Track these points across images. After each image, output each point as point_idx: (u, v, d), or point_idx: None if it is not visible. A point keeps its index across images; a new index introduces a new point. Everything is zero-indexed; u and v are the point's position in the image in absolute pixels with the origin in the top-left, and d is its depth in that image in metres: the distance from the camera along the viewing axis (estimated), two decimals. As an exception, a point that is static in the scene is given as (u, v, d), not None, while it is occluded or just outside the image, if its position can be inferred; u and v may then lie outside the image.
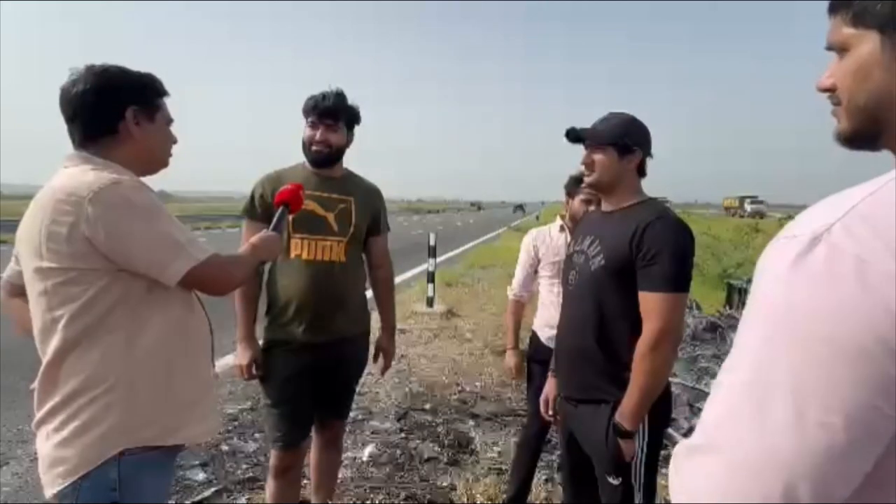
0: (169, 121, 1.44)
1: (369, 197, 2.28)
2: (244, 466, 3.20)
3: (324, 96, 2.11)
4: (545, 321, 2.66)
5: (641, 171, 1.75)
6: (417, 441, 3.56)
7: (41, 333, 1.27)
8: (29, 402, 1.35)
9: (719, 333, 5.83)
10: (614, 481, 1.64)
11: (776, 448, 0.51)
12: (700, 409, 3.95)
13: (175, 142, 1.49)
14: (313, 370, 2.16)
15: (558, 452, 3.25)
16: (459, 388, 4.60)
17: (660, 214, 1.63)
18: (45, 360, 1.26)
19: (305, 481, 2.63)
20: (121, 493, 1.25)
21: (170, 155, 1.48)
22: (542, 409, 2.03)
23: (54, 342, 1.24)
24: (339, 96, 2.12)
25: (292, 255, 2.08)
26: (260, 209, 2.10)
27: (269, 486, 2.27)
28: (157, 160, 1.44)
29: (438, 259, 8.36)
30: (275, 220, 1.70)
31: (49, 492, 1.25)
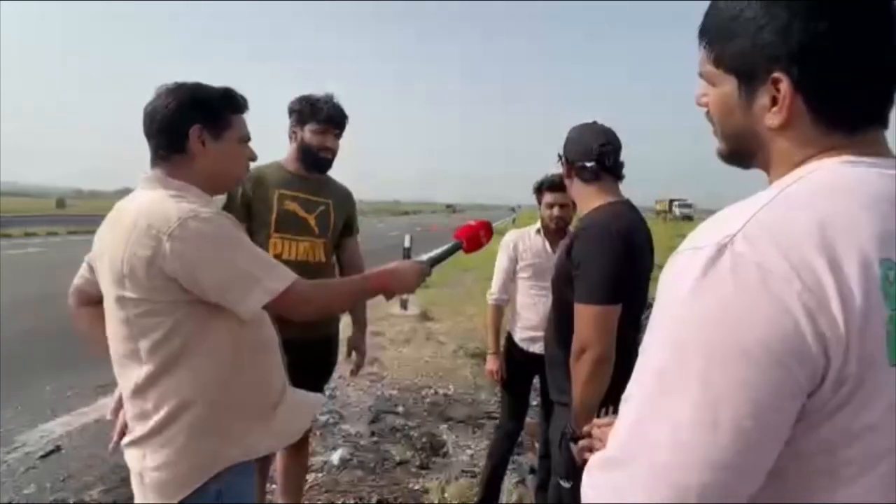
0: (243, 138, 1.41)
1: (345, 200, 2.34)
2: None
3: (332, 104, 2.14)
4: (521, 323, 2.67)
5: (587, 178, 1.67)
6: (389, 444, 3.51)
7: (123, 358, 1.30)
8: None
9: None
10: (566, 484, 1.63)
11: (688, 454, 0.53)
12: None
13: (253, 159, 1.47)
14: (300, 366, 2.13)
15: (531, 455, 3.27)
16: (433, 391, 4.57)
17: (589, 224, 1.62)
18: (131, 384, 1.28)
19: (273, 486, 2.57)
20: (223, 500, 1.32)
21: (244, 172, 1.48)
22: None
23: (141, 370, 1.26)
24: (339, 104, 2.17)
25: (271, 254, 2.05)
26: (241, 207, 2.07)
27: None
28: (226, 178, 1.43)
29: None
30: (440, 251, 1.64)
31: None
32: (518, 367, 2.67)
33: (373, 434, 3.64)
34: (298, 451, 2.40)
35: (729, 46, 0.64)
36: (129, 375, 1.29)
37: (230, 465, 1.32)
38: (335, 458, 3.27)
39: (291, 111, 2.18)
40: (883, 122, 0.62)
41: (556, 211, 2.55)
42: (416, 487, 3.02)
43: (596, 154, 1.65)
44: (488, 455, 2.78)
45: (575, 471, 1.63)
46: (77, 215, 26.03)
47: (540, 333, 2.55)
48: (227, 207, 2.06)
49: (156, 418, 1.27)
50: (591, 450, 0.95)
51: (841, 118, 0.61)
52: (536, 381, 2.71)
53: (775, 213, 0.56)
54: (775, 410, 0.52)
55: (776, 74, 0.60)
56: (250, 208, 2.07)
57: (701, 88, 0.71)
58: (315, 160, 2.17)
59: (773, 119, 0.62)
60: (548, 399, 2.61)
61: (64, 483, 3.02)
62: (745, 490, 0.54)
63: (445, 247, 1.67)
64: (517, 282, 2.72)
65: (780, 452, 0.54)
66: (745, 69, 0.63)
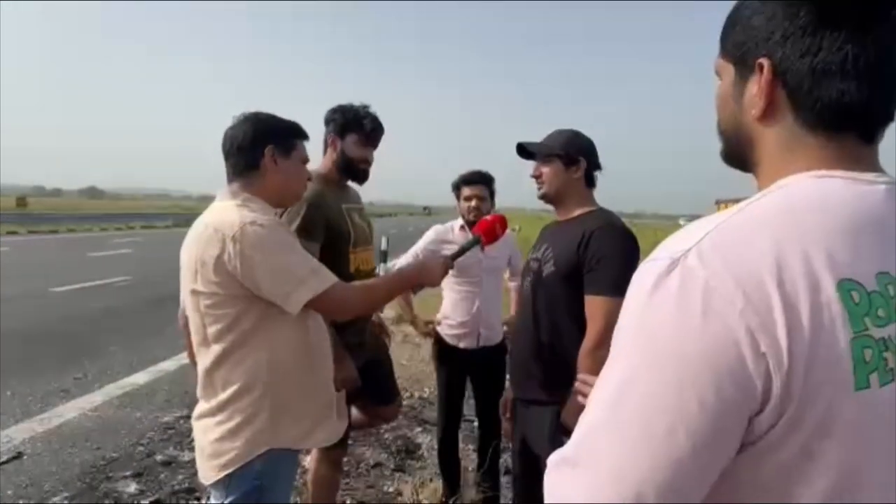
0: (304, 160, 1.66)
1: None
2: (180, 476, 3.06)
3: (374, 117, 2.14)
4: (451, 320, 2.77)
5: (591, 182, 1.82)
6: (363, 448, 3.50)
7: (199, 345, 1.52)
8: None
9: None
10: None
11: (629, 462, 0.53)
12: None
13: (310, 178, 1.73)
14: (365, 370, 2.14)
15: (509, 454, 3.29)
16: (408, 394, 4.56)
17: (606, 222, 1.71)
18: (202, 366, 1.51)
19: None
20: (262, 481, 1.48)
21: (304, 188, 1.71)
22: (501, 412, 2.07)
23: (210, 353, 1.48)
24: (377, 116, 2.18)
25: (352, 269, 2.06)
26: (318, 227, 2.02)
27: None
28: (290, 192, 1.66)
29: (390, 263, 8.31)
30: (461, 247, 1.79)
31: (207, 478, 1.50)
32: (451, 365, 2.73)
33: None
34: (334, 455, 2.37)
35: (731, 35, 0.64)
36: (202, 358, 1.51)
37: (275, 448, 1.49)
38: (307, 461, 3.24)
39: (330, 121, 2.15)
40: (866, 131, 0.60)
41: (473, 203, 2.71)
42: (390, 490, 3.02)
43: (599, 163, 1.81)
44: (438, 452, 2.89)
45: None
46: (39, 214, 25.19)
47: (467, 330, 2.71)
48: (305, 232, 1.92)
49: (220, 397, 1.48)
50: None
51: (820, 113, 0.59)
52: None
53: (732, 230, 0.55)
54: (714, 430, 0.51)
55: (760, 60, 0.60)
56: (330, 229, 2.02)
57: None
58: (356, 172, 2.16)
59: (754, 106, 0.62)
60: (490, 395, 2.68)
61: (26, 490, 2.93)
62: (691, 491, 0.54)
63: (467, 242, 1.82)
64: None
65: (734, 481, 0.54)
66: (739, 56, 0.63)
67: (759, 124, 0.62)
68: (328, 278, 1.48)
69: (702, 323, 0.51)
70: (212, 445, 1.49)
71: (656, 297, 0.54)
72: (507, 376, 2.08)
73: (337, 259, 1.98)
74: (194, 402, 4.31)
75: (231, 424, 1.47)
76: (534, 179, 1.82)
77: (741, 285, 0.51)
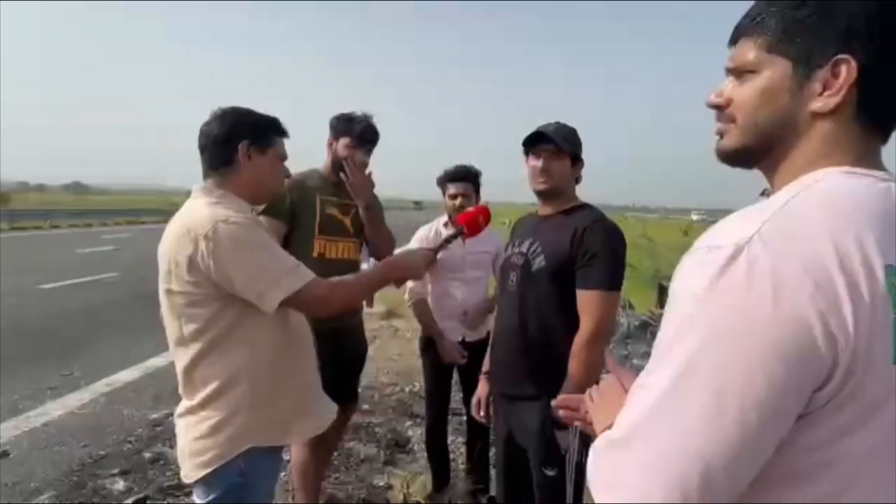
0: (283, 157, 1.63)
1: None
2: (168, 473, 3.04)
3: (366, 124, 2.34)
4: (438, 314, 2.77)
5: (578, 179, 1.85)
6: (354, 442, 3.51)
7: (175, 345, 1.49)
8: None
9: (650, 332, 6.08)
10: (550, 472, 1.68)
11: (695, 442, 0.56)
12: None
13: (287, 176, 1.71)
14: (333, 357, 2.21)
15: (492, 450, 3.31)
16: (398, 388, 4.57)
17: (598, 218, 1.72)
18: (180, 365, 1.49)
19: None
20: (245, 478, 1.47)
21: (281, 185, 1.69)
22: (474, 410, 2.06)
23: (188, 352, 1.46)
24: (373, 124, 2.37)
25: (315, 253, 2.27)
26: (286, 211, 2.23)
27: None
28: (266, 189, 1.62)
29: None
30: (443, 240, 1.80)
31: (189, 476, 1.49)
32: (437, 358, 2.74)
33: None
34: (322, 447, 2.44)
35: (789, 31, 0.66)
36: (179, 358, 1.49)
37: (257, 446, 1.48)
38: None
39: (331, 125, 2.38)
40: (889, 133, 0.68)
41: (458, 201, 2.70)
42: (381, 484, 3.02)
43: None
44: (426, 445, 2.92)
45: (560, 458, 1.67)
46: (22, 210, 24.76)
47: (453, 323, 2.72)
48: (272, 210, 2.14)
49: (200, 395, 1.46)
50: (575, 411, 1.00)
51: (883, 114, 0.65)
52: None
53: (789, 220, 0.58)
54: (779, 407, 0.55)
55: (842, 56, 0.62)
56: (295, 212, 2.25)
57: (723, 87, 0.73)
58: (344, 171, 2.32)
59: (825, 102, 0.64)
60: (474, 388, 2.69)
61: (12, 489, 2.90)
62: (740, 481, 0.57)
63: (449, 234, 1.80)
64: (430, 274, 2.77)
65: (787, 449, 0.57)
66: (805, 52, 0.65)
67: (816, 118, 0.66)
68: (304, 275, 1.46)
69: (773, 307, 0.54)
70: (193, 444, 1.47)
71: (723, 282, 0.56)
72: (483, 374, 2.04)
73: (299, 243, 2.22)
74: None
75: (212, 422, 1.45)
76: (537, 172, 1.75)
77: (808, 271, 0.54)
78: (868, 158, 0.65)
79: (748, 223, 0.59)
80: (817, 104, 0.65)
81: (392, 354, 5.54)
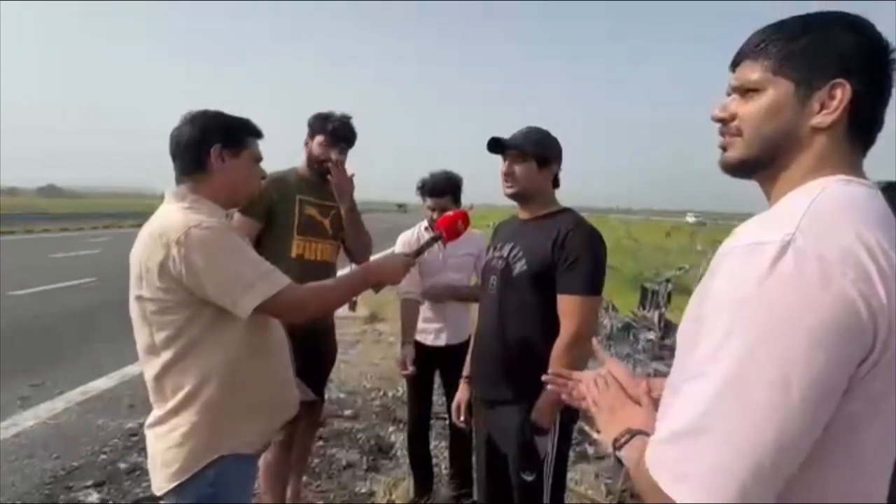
0: (257, 158, 1.60)
1: None
2: (144, 484, 2.96)
3: (341, 123, 2.32)
4: (419, 318, 2.73)
5: (557, 183, 1.82)
6: (336, 448, 3.46)
7: (144, 353, 1.46)
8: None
9: (633, 333, 6.12)
10: (528, 477, 1.68)
11: (766, 424, 0.62)
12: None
13: (263, 177, 1.68)
14: (305, 357, 2.17)
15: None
16: (381, 392, 4.53)
17: (578, 223, 1.71)
18: (150, 373, 1.45)
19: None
20: (216, 489, 1.44)
21: (256, 188, 1.66)
22: (454, 415, 2.05)
23: (159, 360, 1.43)
24: (349, 123, 2.35)
25: (294, 254, 2.25)
26: (263, 210, 2.21)
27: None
28: (240, 192, 1.59)
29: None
30: (422, 244, 1.78)
31: (160, 488, 1.45)
32: (418, 362, 2.71)
33: (320, 438, 3.56)
34: (291, 448, 2.43)
35: (791, 57, 0.77)
36: (149, 366, 1.46)
37: (228, 453, 1.46)
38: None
39: (308, 124, 2.36)
40: (869, 148, 0.79)
41: (436, 214, 2.62)
42: (363, 490, 2.99)
43: (561, 163, 1.81)
44: (409, 451, 2.90)
45: (538, 463, 1.66)
46: (-4, 215, 24.09)
47: (435, 326, 2.70)
48: (250, 207, 2.12)
49: (169, 404, 1.43)
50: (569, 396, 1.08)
51: (863, 136, 0.78)
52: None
53: (819, 219, 0.68)
54: (834, 380, 0.63)
55: (838, 80, 0.74)
56: (273, 212, 2.22)
57: (728, 102, 0.83)
58: (319, 170, 2.33)
59: (823, 118, 0.76)
60: (451, 392, 2.64)
61: (-19, 502, 2.81)
62: (807, 445, 0.64)
63: (428, 238, 1.79)
64: (410, 278, 2.70)
65: (829, 425, 0.65)
66: (806, 76, 0.76)
67: (815, 133, 0.77)
68: (278, 281, 1.44)
69: (821, 290, 0.62)
70: (163, 454, 1.44)
71: (776, 272, 0.64)
72: (464, 378, 2.03)
73: (277, 242, 2.21)
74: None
75: (181, 431, 1.42)
76: (503, 177, 1.78)
77: (845, 260, 0.63)
78: (856, 169, 0.77)
79: (784, 222, 0.68)
80: (817, 120, 0.76)
81: (375, 359, 5.50)
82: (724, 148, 0.84)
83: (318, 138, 2.31)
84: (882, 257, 0.64)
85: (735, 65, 0.83)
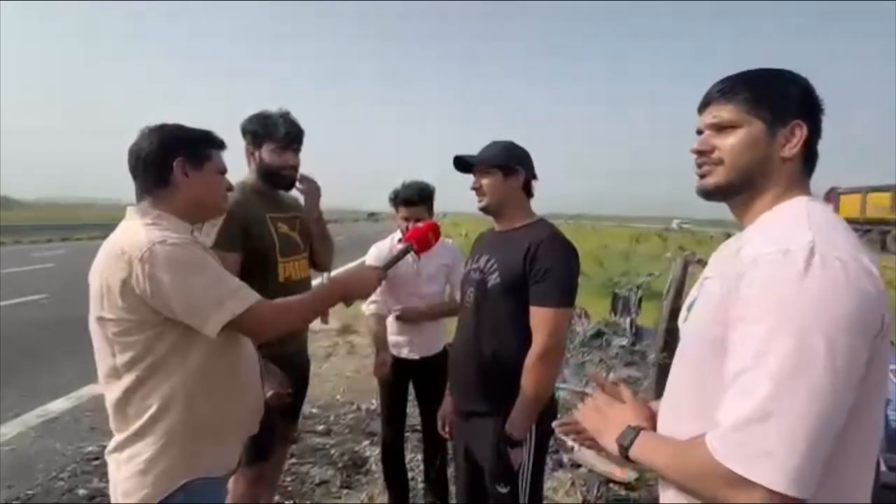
0: (221, 170, 1.54)
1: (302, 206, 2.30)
2: (107, 511, 2.83)
3: (289, 121, 2.07)
4: (388, 331, 2.71)
5: (529, 192, 1.83)
6: (309, 465, 3.38)
7: (105, 375, 1.40)
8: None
9: (605, 340, 6.20)
10: (503, 489, 1.67)
11: (822, 402, 0.76)
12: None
13: (230, 189, 1.60)
14: (293, 380, 2.10)
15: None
16: (355, 406, 4.46)
17: (550, 234, 1.72)
18: (111, 397, 1.39)
19: None
20: None
21: (223, 201, 1.58)
22: (439, 427, 2.02)
23: (121, 383, 1.37)
24: (294, 119, 2.11)
25: (281, 279, 2.04)
26: (235, 237, 1.97)
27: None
28: (206, 206, 1.54)
29: (338, 271, 8.13)
30: (393, 257, 1.74)
31: None
32: (392, 374, 2.69)
33: (292, 456, 3.47)
34: (263, 480, 2.24)
35: (764, 101, 0.95)
36: (110, 390, 1.40)
37: (196, 478, 1.40)
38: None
39: (246, 132, 2.08)
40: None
41: (410, 224, 2.61)
42: (338, 508, 2.91)
43: (535, 173, 1.81)
44: (383, 468, 2.84)
45: (512, 475, 1.65)
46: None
47: (408, 338, 2.67)
48: (225, 241, 1.90)
49: (132, 429, 1.37)
50: (577, 433, 1.16)
51: (812, 164, 0.98)
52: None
53: (824, 228, 0.85)
54: (862, 355, 0.78)
55: (798, 121, 0.94)
56: (249, 237, 1.97)
57: (706, 137, 1.00)
58: (279, 179, 2.10)
59: (789, 150, 0.95)
60: (433, 405, 2.59)
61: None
62: (844, 416, 0.78)
63: (399, 251, 1.75)
64: (382, 293, 2.70)
65: (866, 393, 0.81)
66: (774, 116, 0.95)
67: (785, 162, 0.95)
68: (247, 298, 1.39)
69: (846, 282, 0.78)
70: (125, 483, 1.37)
71: (810, 276, 0.78)
72: (448, 391, 2.02)
73: (263, 269, 1.99)
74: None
75: (145, 457, 1.36)
76: (474, 191, 1.80)
77: (855, 260, 0.80)
78: (808, 192, 0.97)
79: (800, 231, 0.84)
80: (786, 152, 0.95)
81: (348, 371, 5.42)
82: (702, 175, 0.99)
83: (269, 145, 2.05)
84: (872, 257, 0.82)
85: (704, 107, 1.01)
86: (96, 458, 3.43)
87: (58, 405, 4.42)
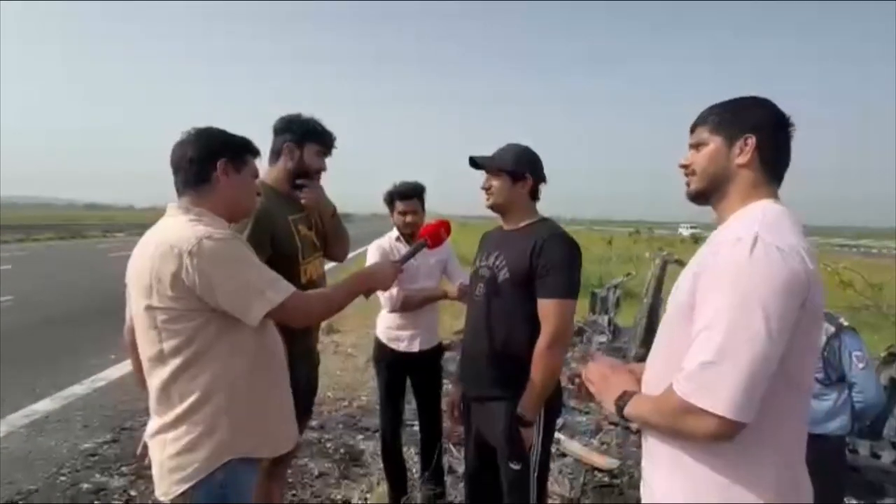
0: (255, 175, 1.69)
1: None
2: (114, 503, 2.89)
3: (328, 130, 2.13)
4: (389, 324, 2.86)
5: (535, 195, 1.97)
6: (307, 458, 3.48)
7: (150, 360, 1.50)
8: None
9: (585, 337, 6.43)
10: (515, 466, 1.82)
11: (762, 349, 1.00)
12: (572, 408, 4.34)
13: (259, 193, 1.76)
14: (308, 375, 2.20)
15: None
16: (346, 402, 4.56)
17: (555, 232, 1.87)
18: (156, 382, 1.50)
19: None
20: (226, 490, 1.50)
21: (255, 203, 1.74)
22: (447, 413, 2.16)
23: (167, 368, 1.47)
24: None
25: (304, 280, 2.04)
26: (263, 239, 1.97)
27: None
28: (241, 206, 1.67)
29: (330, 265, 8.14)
30: (409, 251, 1.86)
31: (167, 494, 1.48)
32: (391, 368, 2.84)
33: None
34: (278, 468, 2.31)
35: (723, 123, 1.21)
36: (156, 374, 1.50)
37: (237, 457, 1.51)
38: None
39: (285, 130, 2.11)
40: (780, 185, 1.23)
41: (408, 218, 2.77)
42: (338, 498, 3.03)
43: (544, 177, 1.95)
44: (382, 457, 2.94)
45: (524, 454, 1.80)
46: None
47: (406, 333, 2.81)
48: (254, 243, 1.85)
49: (177, 411, 1.48)
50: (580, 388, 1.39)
51: (773, 172, 1.20)
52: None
53: (769, 224, 1.08)
54: (791, 318, 1.02)
55: (747, 135, 1.19)
56: (274, 241, 1.98)
57: (688, 156, 1.27)
58: (309, 180, 2.14)
59: (742, 159, 1.19)
60: (430, 397, 2.82)
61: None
62: (776, 363, 1.02)
63: (413, 247, 1.88)
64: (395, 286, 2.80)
65: (792, 348, 1.04)
66: (730, 133, 1.20)
67: (740, 169, 1.19)
68: (286, 289, 1.51)
69: (782, 265, 1.02)
70: (171, 460, 1.47)
71: (753, 257, 1.02)
72: (451, 376, 2.16)
73: (288, 272, 1.92)
74: (117, 425, 4.03)
75: (191, 437, 1.47)
76: (484, 190, 1.95)
77: (791, 246, 1.04)
78: (774, 196, 1.19)
79: (749, 225, 1.08)
80: (738, 160, 1.19)
81: (335, 370, 5.50)
82: (687, 185, 1.27)
83: (313, 147, 2.10)
84: (806, 248, 1.07)
85: (691, 131, 1.27)
86: (94, 455, 3.48)
87: (42, 406, 4.39)
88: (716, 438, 1.04)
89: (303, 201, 2.13)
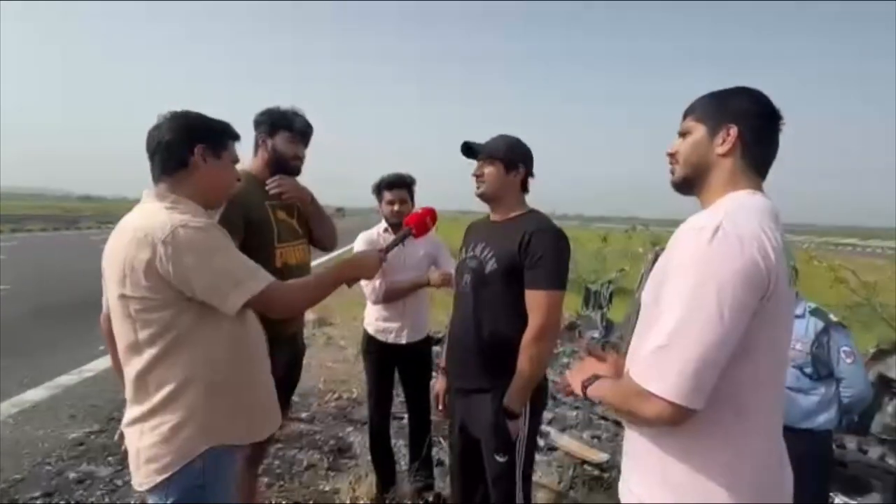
0: (235, 160, 1.64)
1: None
2: (98, 493, 2.87)
3: (302, 117, 2.21)
4: (377, 316, 2.87)
5: (525, 188, 1.95)
6: (295, 450, 3.47)
7: (126, 350, 1.47)
8: None
9: (577, 332, 6.42)
10: (501, 458, 1.80)
11: (708, 336, 1.00)
12: (561, 401, 4.34)
13: (239, 179, 1.71)
14: (290, 362, 2.23)
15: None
16: (336, 395, 4.55)
17: (542, 224, 1.85)
18: (133, 371, 1.46)
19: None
20: (205, 478, 1.47)
21: (234, 188, 1.70)
22: (433, 404, 2.14)
23: (143, 358, 1.44)
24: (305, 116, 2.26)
25: (278, 264, 2.09)
26: (236, 221, 2.01)
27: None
28: (219, 192, 1.63)
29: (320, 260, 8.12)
30: (393, 240, 1.84)
31: (144, 484, 1.45)
32: (380, 359, 2.83)
33: (278, 441, 3.56)
34: (255, 459, 2.34)
35: (708, 111, 1.21)
36: (132, 363, 1.47)
37: (215, 445, 1.48)
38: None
39: (260, 122, 2.20)
40: (765, 176, 1.21)
41: (396, 207, 2.77)
42: (327, 489, 3.02)
43: (533, 171, 1.94)
44: (370, 448, 2.95)
45: (510, 445, 1.78)
46: None
47: (397, 324, 2.80)
48: (227, 225, 1.88)
49: (153, 400, 1.45)
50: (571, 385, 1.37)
51: (755, 163, 1.18)
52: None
53: (734, 214, 1.07)
54: (747, 308, 1.02)
55: (730, 125, 1.18)
56: (249, 223, 2.04)
57: (673, 144, 1.26)
58: (287, 168, 2.20)
59: (722, 148, 1.18)
60: (419, 389, 2.81)
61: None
62: (732, 348, 1.02)
63: (399, 235, 1.84)
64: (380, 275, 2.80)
65: (750, 338, 1.03)
66: (714, 123, 1.20)
67: (721, 158, 1.19)
68: (264, 278, 1.48)
69: (740, 255, 1.02)
70: (148, 450, 1.44)
71: (712, 245, 1.02)
72: (438, 368, 2.14)
73: (261, 254, 1.97)
74: (105, 415, 4.00)
75: (168, 426, 1.43)
76: (475, 178, 1.92)
77: (753, 237, 1.04)
78: (755, 186, 1.18)
79: (714, 216, 1.07)
80: (719, 149, 1.19)
81: (326, 362, 5.49)
82: (671, 172, 1.26)
83: (285, 135, 2.18)
84: (772, 237, 1.06)
85: (683, 118, 1.26)
86: (81, 444, 3.45)
87: (31, 395, 4.36)
88: (664, 422, 1.04)
89: (283, 198, 2.17)
